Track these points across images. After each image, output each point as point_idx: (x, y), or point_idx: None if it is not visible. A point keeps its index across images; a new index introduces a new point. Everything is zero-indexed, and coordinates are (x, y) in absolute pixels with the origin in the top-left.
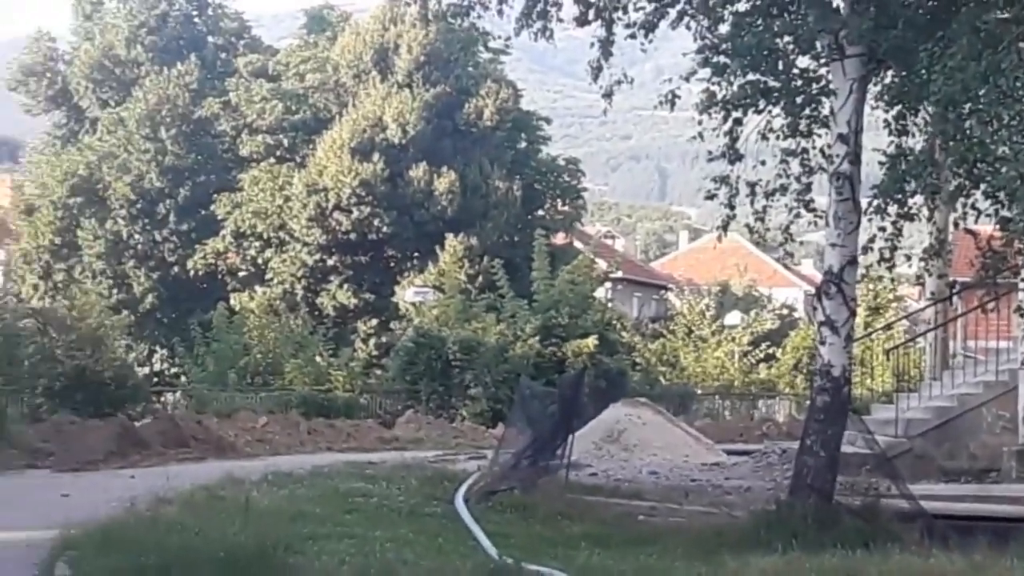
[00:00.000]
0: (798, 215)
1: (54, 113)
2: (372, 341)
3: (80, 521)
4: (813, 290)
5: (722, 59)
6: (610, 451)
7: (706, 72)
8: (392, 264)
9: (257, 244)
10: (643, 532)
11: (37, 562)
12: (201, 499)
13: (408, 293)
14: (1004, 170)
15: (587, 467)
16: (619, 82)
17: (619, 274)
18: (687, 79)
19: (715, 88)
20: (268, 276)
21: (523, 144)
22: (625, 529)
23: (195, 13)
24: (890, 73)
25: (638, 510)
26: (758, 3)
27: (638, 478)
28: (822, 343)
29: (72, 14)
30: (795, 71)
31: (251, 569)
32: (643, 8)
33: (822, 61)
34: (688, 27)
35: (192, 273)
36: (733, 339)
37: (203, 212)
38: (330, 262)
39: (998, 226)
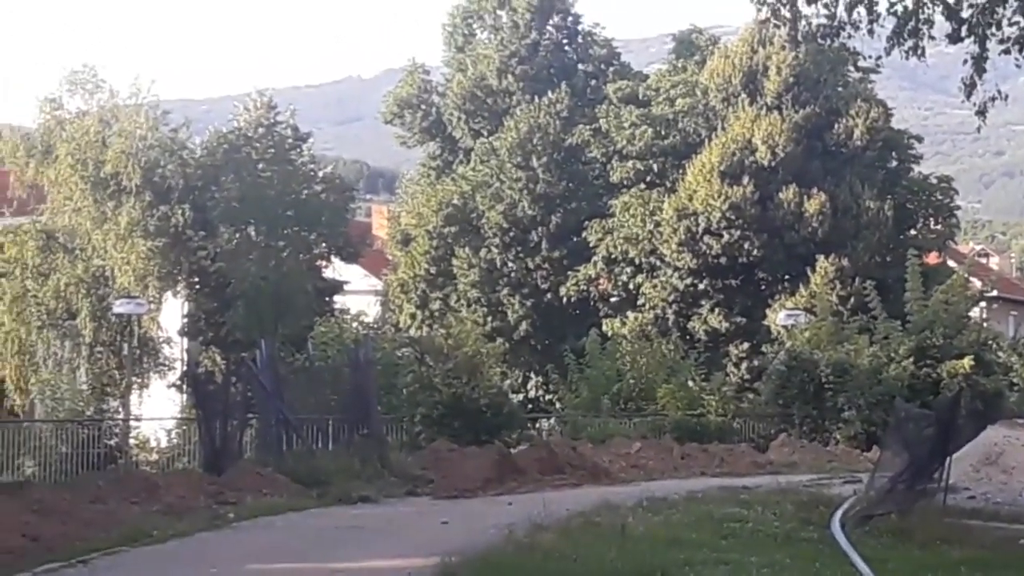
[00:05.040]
0: None
1: (428, 144)
2: (744, 365)
3: (459, 548)
4: None
5: None
6: (988, 474)
7: None
8: (763, 287)
9: (628, 270)
10: None
11: None
12: (577, 525)
13: (779, 316)
14: None
15: (965, 490)
16: (993, 99)
17: (994, 293)
18: None
19: None
20: (640, 301)
21: (894, 163)
22: (1006, 553)
23: (565, 41)
24: None
25: (1019, 534)
26: None
27: (1018, 501)
28: None
29: (444, 46)
30: None
31: None
32: (1017, 23)
33: None
34: None
35: (564, 300)
36: None
37: (575, 239)
38: (701, 286)
39: None
